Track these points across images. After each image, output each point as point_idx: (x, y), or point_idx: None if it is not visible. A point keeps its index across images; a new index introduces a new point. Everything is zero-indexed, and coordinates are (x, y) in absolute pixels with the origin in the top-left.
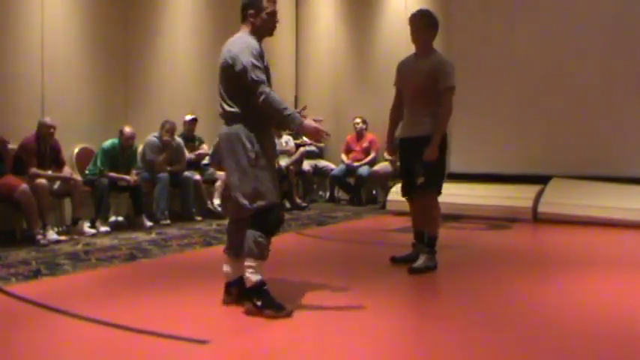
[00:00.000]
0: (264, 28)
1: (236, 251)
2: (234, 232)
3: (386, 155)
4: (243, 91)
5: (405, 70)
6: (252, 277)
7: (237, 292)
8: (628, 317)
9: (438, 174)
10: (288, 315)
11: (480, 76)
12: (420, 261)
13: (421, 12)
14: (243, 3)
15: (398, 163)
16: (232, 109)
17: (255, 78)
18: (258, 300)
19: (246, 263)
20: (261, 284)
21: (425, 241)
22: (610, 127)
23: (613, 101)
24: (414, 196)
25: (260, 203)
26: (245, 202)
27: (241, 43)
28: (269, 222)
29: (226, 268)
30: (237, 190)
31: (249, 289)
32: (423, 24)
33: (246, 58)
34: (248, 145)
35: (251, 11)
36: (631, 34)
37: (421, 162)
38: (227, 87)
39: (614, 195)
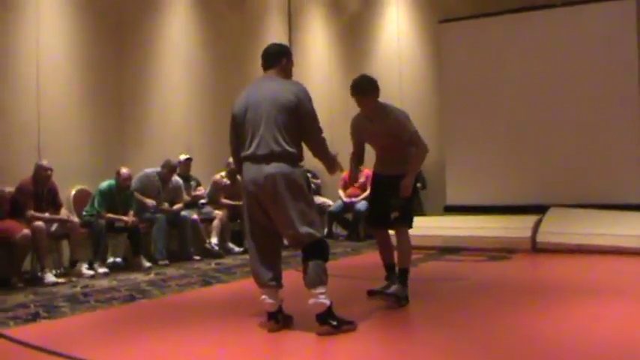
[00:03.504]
0: (289, 74)
1: (280, 281)
2: (279, 264)
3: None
4: (299, 133)
5: (361, 129)
6: (325, 301)
7: (283, 318)
8: (629, 346)
9: (411, 209)
10: (356, 327)
11: (474, 109)
12: (392, 288)
13: (357, 83)
14: (280, 50)
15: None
16: (291, 149)
17: (319, 124)
18: (333, 320)
19: (317, 290)
20: (331, 307)
21: (397, 274)
22: (605, 155)
23: (607, 129)
24: (383, 229)
25: (322, 233)
26: (314, 231)
27: (301, 88)
28: (327, 250)
29: (270, 299)
30: (306, 222)
31: (324, 313)
32: (365, 96)
33: (311, 105)
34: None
35: (285, 60)
36: (620, 63)
37: (398, 197)
38: (288, 128)
39: (612, 222)
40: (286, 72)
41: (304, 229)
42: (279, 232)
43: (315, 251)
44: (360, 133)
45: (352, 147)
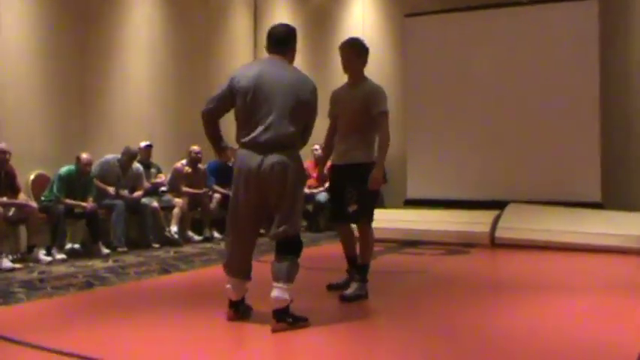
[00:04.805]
0: (293, 59)
1: (250, 275)
2: (250, 256)
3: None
4: (303, 125)
5: (338, 99)
6: (287, 298)
7: (244, 309)
8: (583, 340)
9: (371, 203)
10: (309, 324)
11: (436, 103)
12: (352, 289)
13: (351, 41)
14: (291, 34)
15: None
16: (296, 142)
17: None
18: (289, 318)
19: (279, 284)
20: (289, 304)
21: (357, 269)
22: (565, 153)
23: (568, 127)
24: (343, 223)
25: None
26: (297, 227)
27: (315, 86)
28: (301, 245)
29: (235, 289)
30: (298, 215)
31: (282, 309)
32: (353, 53)
33: (317, 99)
34: None
35: (292, 45)
36: (582, 62)
37: (354, 190)
38: (298, 122)
39: (570, 219)
40: (293, 57)
41: (293, 223)
42: (264, 222)
43: (294, 247)
44: (336, 104)
45: (329, 126)
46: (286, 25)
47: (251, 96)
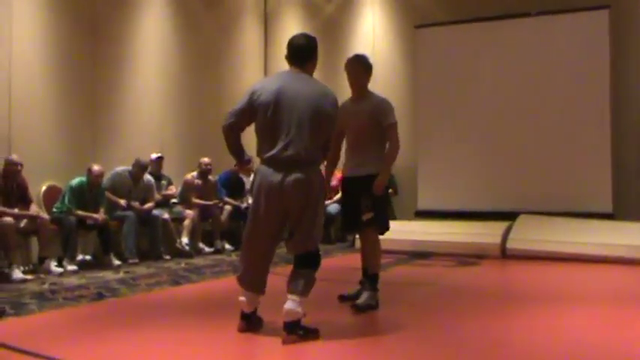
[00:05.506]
0: (313, 71)
1: (263, 288)
2: (267, 270)
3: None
4: (323, 139)
5: (344, 114)
6: (301, 311)
7: (256, 320)
8: (595, 351)
9: (385, 212)
10: (319, 336)
11: (446, 114)
12: (363, 299)
13: (357, 57)
14: (313, 46)
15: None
16: (317, 157)
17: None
18: (300, 330)
19: (294, 297)
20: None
21: (367, 279)
22: (577, 164)
23: (580, 138)
24: (360, 233)
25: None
26: (318, 241)
27: (335, 98)
28: (320, 259)
29: (249, 301)
30: (319, 229)
31: (294, 322)
32: (360, 69)
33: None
34: None
35: (313, 57)
36: (592, 72)
37: (369, 199)
38: (319, 136)
39: (581, 230)
40: (313, 68)
41: (313, 238)
42: (282, 238)
43: (313, 260)
44: (342, 117)
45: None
46: (307, 37)
47: (271, 111)
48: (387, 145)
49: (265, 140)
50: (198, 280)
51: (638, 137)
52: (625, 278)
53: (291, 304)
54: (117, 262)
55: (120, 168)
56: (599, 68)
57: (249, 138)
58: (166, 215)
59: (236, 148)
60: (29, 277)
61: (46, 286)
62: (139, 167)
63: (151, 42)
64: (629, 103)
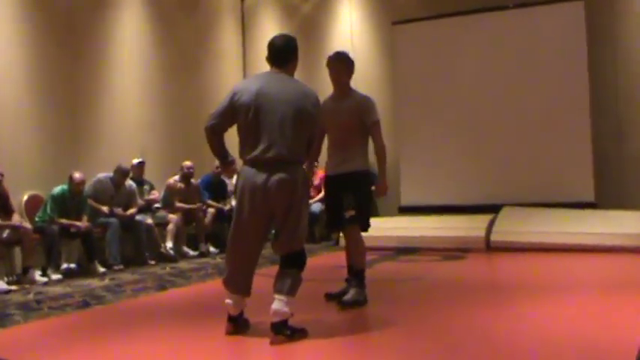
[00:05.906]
0: (294, 71)
1: (250, 291)
2: (252, 272)
3: None
4: (306, 139)
5: (326, 112)
6: (288, 311)
7: (242, 322)
8: (584, 339)
9: (368, 208)
10: (307, 335)
11: (427, 110)
12: (349, 295)
13: (339, 55)
14: (293, 46)
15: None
16: (300, 157)
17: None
18: (288, 330)
19: (281, 297)
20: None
21: (353, 276)
22: (558, 154)
23: (560, 128)
24: (343, 230)
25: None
26: (303, 240)
27: (317, 97)
28: (305, 259)
29: (235, 304)
30: (303, 229)
31: (281, 322)
32: (342, 66)
33: (320, 111)
34: None
35: (293, 58)
36: (570, 63)
37: (352, 196)
38: (301, 136)
39: (564, 220)
40: (294, 69)
41: (299, 237)
42: (267, 239)
43: (298, 260)
44: (323, 115)
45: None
46: (287, 37)
47: (253, 113)
48: (371, 143)
49: (247, 141)
50: (184, 285)
51: (617, 126)
52: (609, 266)
53: (278, 304)
54: (102, 270)
55: (101, 175)
56: (577, 59)
57: (232, 139)
58: (150, 220)
59: (219, 150)
60: (13, 287)
61: (30, 296)
62: (121, 173)
63: (129, 47)
64: (607, 92)
